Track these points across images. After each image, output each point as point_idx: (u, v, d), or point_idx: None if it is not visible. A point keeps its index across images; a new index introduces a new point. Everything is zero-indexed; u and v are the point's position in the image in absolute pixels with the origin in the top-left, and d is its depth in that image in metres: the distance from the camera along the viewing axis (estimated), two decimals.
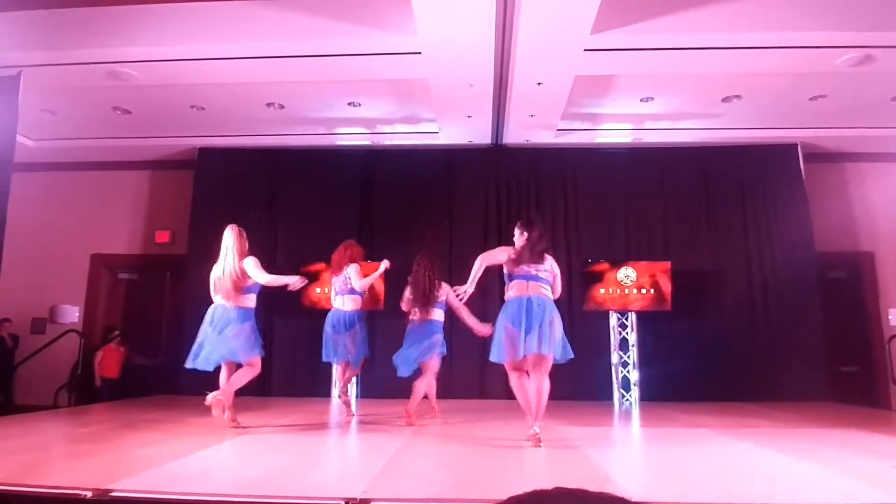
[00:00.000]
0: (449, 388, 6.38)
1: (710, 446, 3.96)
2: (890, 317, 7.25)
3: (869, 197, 7.53)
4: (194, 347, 4.31)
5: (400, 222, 7.40)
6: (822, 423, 5.03)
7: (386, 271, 5.31)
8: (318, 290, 6.81)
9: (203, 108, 6.63)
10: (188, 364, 4.31)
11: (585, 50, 5.01)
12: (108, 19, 4.93)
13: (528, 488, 0.81)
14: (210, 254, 4.57)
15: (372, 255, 6.20)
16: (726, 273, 7.19)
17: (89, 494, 2.39)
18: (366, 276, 5.15)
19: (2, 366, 7.18)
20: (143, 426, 4.46)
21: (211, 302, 4.46)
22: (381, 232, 7.35)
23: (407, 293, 5.12)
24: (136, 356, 7.75)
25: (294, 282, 4.49)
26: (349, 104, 6.50)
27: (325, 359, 5.22)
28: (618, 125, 7.12)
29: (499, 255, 4.05)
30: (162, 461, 3.14)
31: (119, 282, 8.36)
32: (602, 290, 6.72)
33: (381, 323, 6.74)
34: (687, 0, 4.69)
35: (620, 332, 6.83)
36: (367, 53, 5.16)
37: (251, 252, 4.45)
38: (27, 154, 7.24)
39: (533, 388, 3.84)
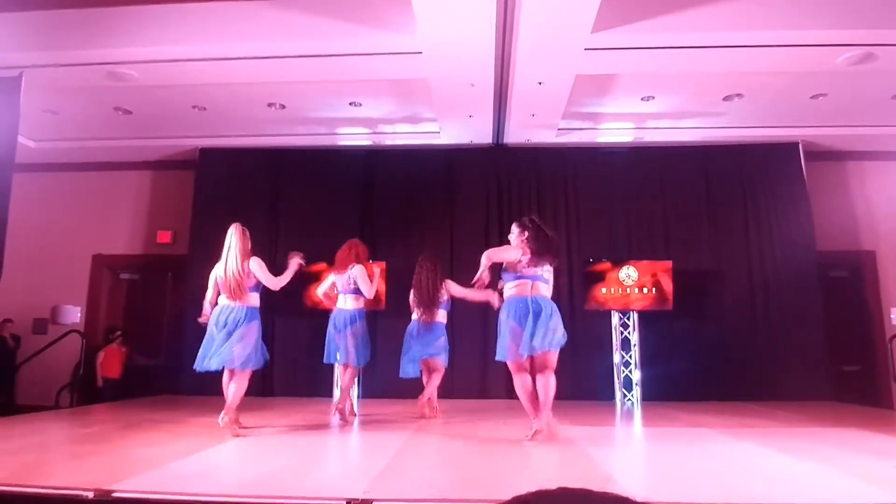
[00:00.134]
0: (450, 388, 6.39)
1: (712, 446, 3.96)
2: (891, 316, 7.23)
3: (870, 196, 7.52)
4: (202, 349, 4.23)
5: (401, 222, 7.40)
6: (823, 422, 5.02)
7: (385, 271, 5.30)
8: (317, 290, 6.78)
9: (204, 109, 6.63)
10: (197, 366, 4.21)
11: (586, 49, 5.01)
12: (109, 20, 4.95)
13: (531, 488, 0.81)
14: (212, 254, 4.54)
15: (373, 255, 6.19)
16: (727, 272, 7.18)
17: (91, 495, 2.39)
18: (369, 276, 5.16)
19: (4, 366, 7.18)
20: (145, 426, 4.46)
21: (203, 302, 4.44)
22: (381, 231, 7.35)
23: (412, 296, 5.12)
24: (138, 356, 7.77)
25: (296, 268, 4.56)
26: (350, 104, 6.50)
27: (326, 360, 5.18)
28: (619, 124, 7.12)
29: (507, 254, 3.97)
30: (164, 461, 3.14)
31: (121, 282, 8.37)
32: (603, 290, 6.70)
33: (382, 323, 6.75)
34: None
35: (622, 332, 6.82)
36: (368, 53, 5.16)
37: (253, 252, 4.43)
38: (29, 155, 7.25)
39: (540, 383, 3.86)
